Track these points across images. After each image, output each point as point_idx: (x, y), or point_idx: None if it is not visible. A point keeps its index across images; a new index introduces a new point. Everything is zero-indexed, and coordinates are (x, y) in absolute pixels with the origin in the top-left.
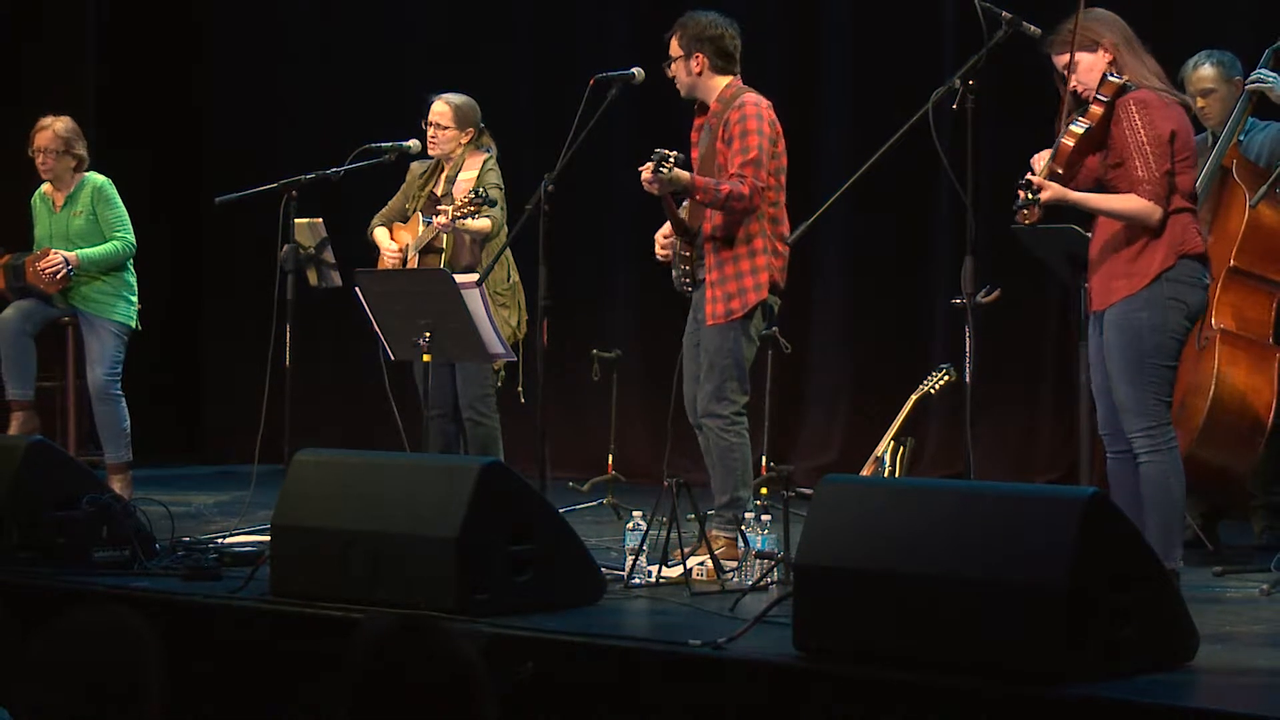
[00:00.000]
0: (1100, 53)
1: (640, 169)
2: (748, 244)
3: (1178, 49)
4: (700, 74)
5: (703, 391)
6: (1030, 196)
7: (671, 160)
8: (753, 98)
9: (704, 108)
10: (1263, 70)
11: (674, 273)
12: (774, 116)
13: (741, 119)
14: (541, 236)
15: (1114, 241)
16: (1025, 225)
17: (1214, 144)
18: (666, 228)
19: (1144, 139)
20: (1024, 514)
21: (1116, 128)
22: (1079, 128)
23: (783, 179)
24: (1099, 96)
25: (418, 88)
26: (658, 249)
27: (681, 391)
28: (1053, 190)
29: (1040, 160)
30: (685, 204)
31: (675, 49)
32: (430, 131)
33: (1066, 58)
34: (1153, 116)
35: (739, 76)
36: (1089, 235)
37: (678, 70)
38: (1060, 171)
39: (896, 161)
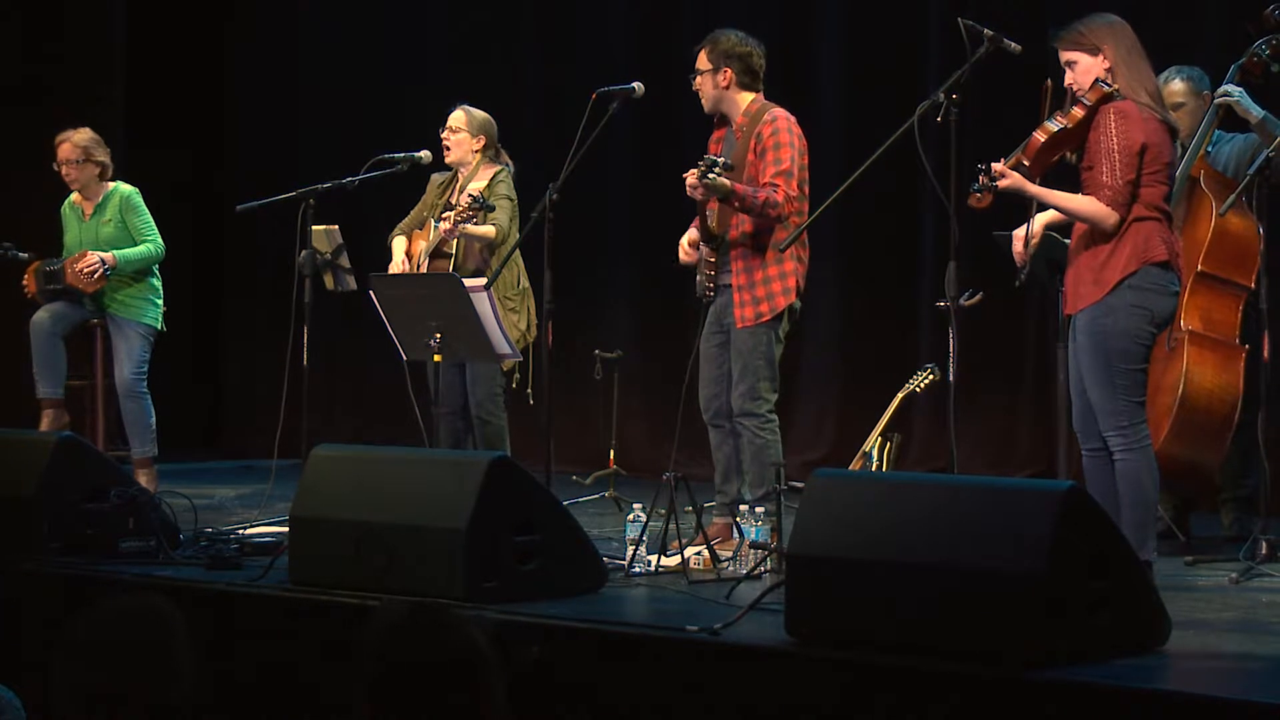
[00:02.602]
0: (1100, 58)
1: (685, 175)
2: (775, 251)
3: (1151, 63)
4: (727, 88)
5: (737, 392)
6: (987, 182)
7: (719, 167)
8: (782, 112)
9: (724, 121)
10: (1229, 85)
11: (698, 278)
12: (801, 132)
13: (774, 132)
14: (546, 243)
15: (1085, 248)
16: (975, 209)
17: (1183, 155)
18: (691, 234)
19: (1115, 146)
20: (1005, 506)
21: (1094, 132)
22: (1054, 125)
23: (806, 190)
24: (1083, 100)
25: (429, 102)
26: (681, 254)
27: (688, 390)
28: (1012, 179)
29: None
30: (713, 212)
31: (704, 62)
32: (445, 136)
33: (1068, 54)
34: (1128, 127)
35: (762, 93)
36: (1067, 241)
37: (704, 83)
38: (1026, 164)
39: (884, 172)
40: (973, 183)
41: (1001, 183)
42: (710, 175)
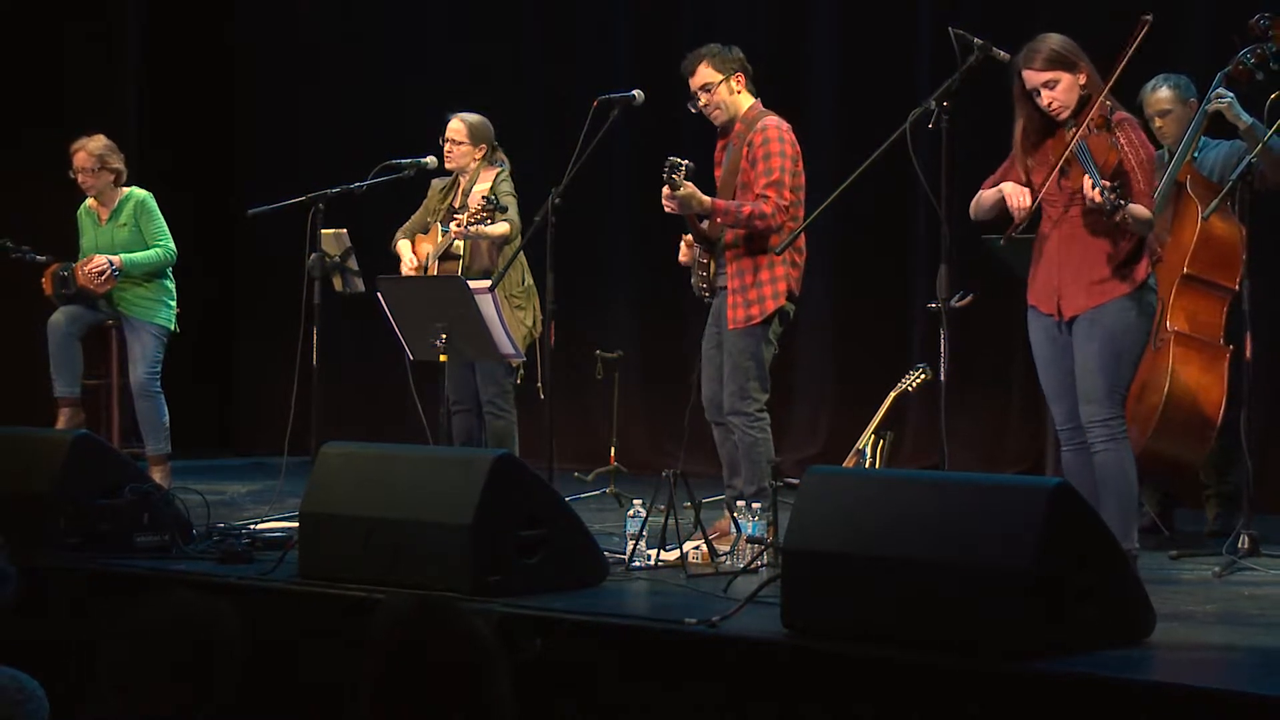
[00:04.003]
0: (1078, 74)
1: (663, 189)
2: (768, 255)
3: (1138, 72)
4: (739, 92)
5: (727, 391)
6: (1120, 199)
7: (683, 169)
8: (774, 120)
9: (724, 131)
10: (1223, 89)
11: (693, 279)
12: (794, 138)
13: (765, 141)
14: (549, 246)
15: (1099, 249)
16: (1128, 224)
17: (1170, 160)
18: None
19: (1144, 157)
20: (995, 502)
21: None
22: (1114, 143)
23: (801, 195)
24: (1103, 115)
25: (435, 110)
26: (681, 254)
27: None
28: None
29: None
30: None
31: (710, 75)
32: (446, 147)
33: (1047, 75)
34: (1143, 138)
35: (760, 101)
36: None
37: (719, 92)
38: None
39: (877, 177)
40: (1106, 204)
41: (1124, 201)
42: (674, 179)
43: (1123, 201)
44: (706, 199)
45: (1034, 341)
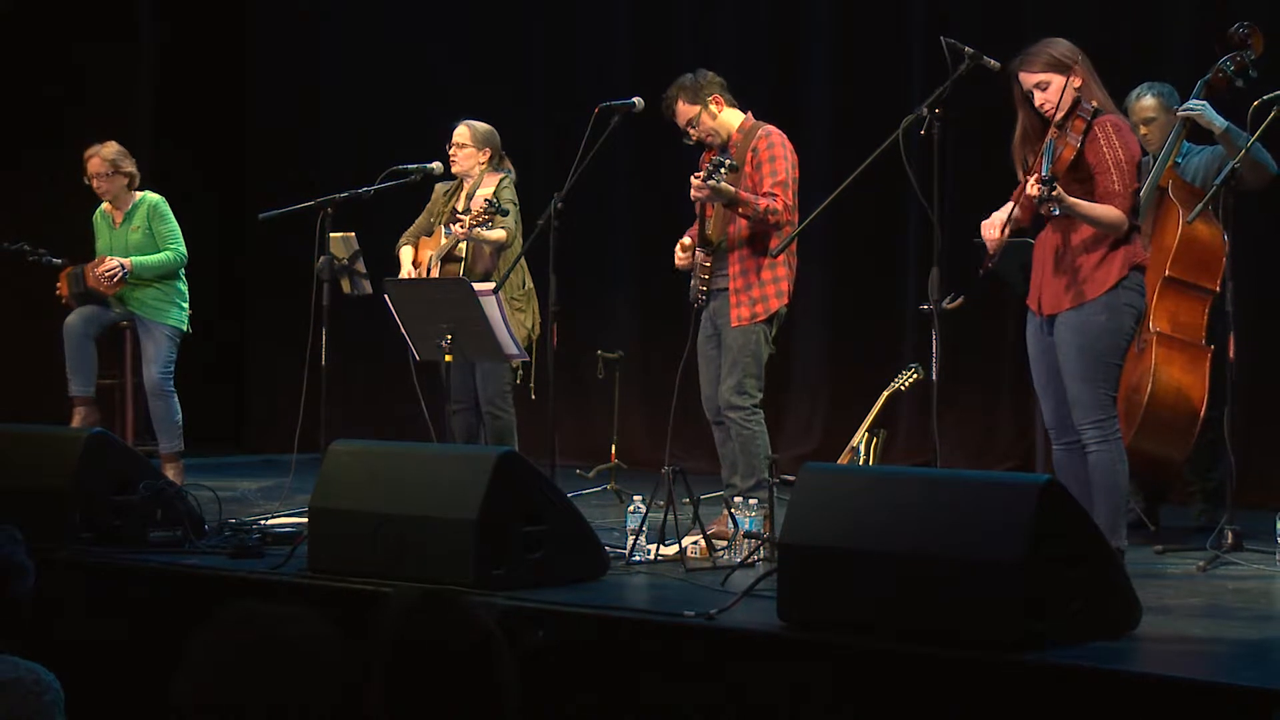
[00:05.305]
0: (1071, 76)
1: (692, 176)
2: (768, 257)
3: (1123, 80)
4: (721, 113)
5: (724, 386)
6: (1052, 191)
7: (725, 168)
8: (774, 129)
9: (720, 144)
10: (1192, 101)
11: (693, 282)
12: (792, 146)
13: (769, 146)
14: (552, 249)
15: (1073, 251)
16: (1053, 215)
17: (1153, 167)
18: (685, 239)
19: (1121, 157)
20: (985, 498)
21: (1092, 144)
22: (1074, 141)
23: (796, 202)
24: (1081, 115)
25: (441, 117)
26: (677, 258)
27: (681, 388)
28: (1059, 190)
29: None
30: (710, 218)
31: (688, 110)
32: (452, 151)
33: (1039, 76)
34: (1126, 139)
35: (751, 114)
36: (1031, 241)
37: (704, 121)
38: (1059, 175)
39: (872, 182)
40: (1044, 198)
41: (1057, 191)
42: (715, 176)
43: (1053, 193)
44: (732, 189)
45: (1027, 339)
